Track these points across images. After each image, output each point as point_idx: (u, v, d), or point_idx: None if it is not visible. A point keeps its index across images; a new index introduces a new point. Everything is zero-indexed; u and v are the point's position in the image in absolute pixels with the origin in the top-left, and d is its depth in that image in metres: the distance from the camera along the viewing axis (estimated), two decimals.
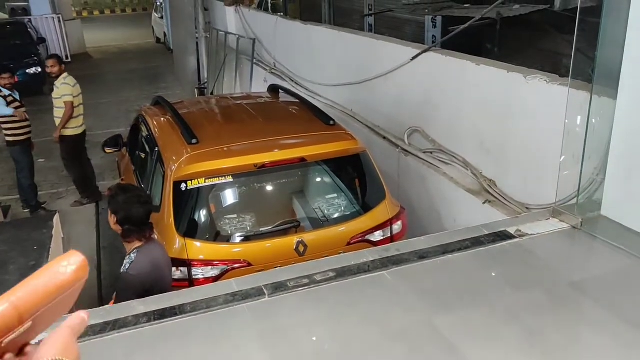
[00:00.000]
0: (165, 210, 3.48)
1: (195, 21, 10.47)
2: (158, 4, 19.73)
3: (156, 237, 3.14)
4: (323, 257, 3.26)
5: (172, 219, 3.43)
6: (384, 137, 5.18)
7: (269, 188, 3.84)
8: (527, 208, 3.52)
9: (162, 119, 4.47)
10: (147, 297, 2.32)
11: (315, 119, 4.23)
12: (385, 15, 9.30)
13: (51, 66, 6.38)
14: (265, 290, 2.32)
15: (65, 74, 6.47)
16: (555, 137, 3.22)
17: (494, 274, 2.43)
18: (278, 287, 2.33)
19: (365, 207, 3.77)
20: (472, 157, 4.10)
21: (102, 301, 5.13)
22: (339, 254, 3.43)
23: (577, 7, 5.60)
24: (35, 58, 12.62)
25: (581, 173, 2.77)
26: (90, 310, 2.35)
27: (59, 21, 15.96)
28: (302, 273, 2.42)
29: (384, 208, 3.77)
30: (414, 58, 4.54)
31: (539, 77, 3.33)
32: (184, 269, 3.32)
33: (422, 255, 2.54)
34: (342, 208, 3.79)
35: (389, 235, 3.71)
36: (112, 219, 2.94)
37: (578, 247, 2.67)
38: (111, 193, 3.09)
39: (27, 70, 12.20)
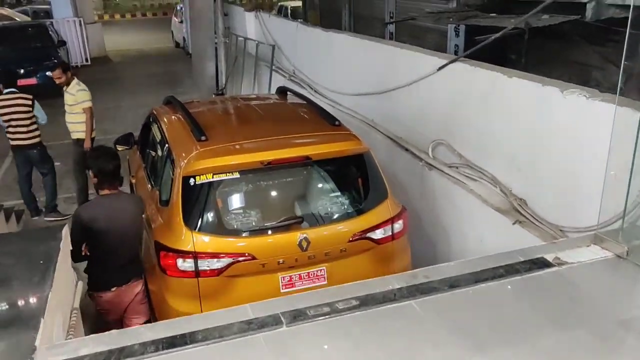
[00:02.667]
0: (174, 204, 3.62)
1: (215, 26, 10.38)
2: (178, 8, 19.78)
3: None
4: (326, 254, 3.64)
5: (180, 213, 3.57)
6: (407, 149, 4.99)
7: (275, 185, 3.92)
8: (561, 230, 3.30)
9: (173, 117, 4.60)
10: (156, 323, 2.16)
11: (321, 119, 4.34)
12: (406, 23, 9.13)
13: (57, 77, 6.28)
14: (283, 319, 2.14)
15: (75, 80, 6.39)
16: (595, 156, 3.01)
17: (532, 308, 2.22)
18: (297, 316, 2.16)
19: (368, 206, 3.86)
20: (501, 173, 3.89)
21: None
22: (342, 251, 3.69)
23: (614, 19, 5.41)
24: (55, 61, 12.61)
25: (627, 196, 2.56)
26: (94, 336, 2.21)
27: (80, 24, 16.02)
28: (323, 300, 2.25)
29: (386, 207, 3.86)
30: (440, 68, 4.35)
31: (578, 91, 3.12)
32: (191, 261, 3.47)
33: (452, 284, 2.35)
34: (345, 206, 3.91)
35: (390, 233, 3.82)
36: (91, 174, 3.69)
37: (624, 280, 2.45)
38: (88, 154, 3.91)
39: (47, 73, 12.18)
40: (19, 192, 7.06)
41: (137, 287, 3.85)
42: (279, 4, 20.65)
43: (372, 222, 3.77)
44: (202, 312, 3.41)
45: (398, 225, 3.86)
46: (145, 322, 3.84)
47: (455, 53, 7.88)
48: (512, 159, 3.75)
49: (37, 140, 6.34)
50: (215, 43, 10.52)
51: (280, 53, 8.67)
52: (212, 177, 3.63)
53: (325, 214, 3.82)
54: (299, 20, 11.85)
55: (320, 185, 4.05)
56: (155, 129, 4.83)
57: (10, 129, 6.28)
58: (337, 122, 4.21)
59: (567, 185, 3.28)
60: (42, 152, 6.44)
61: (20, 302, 2.38)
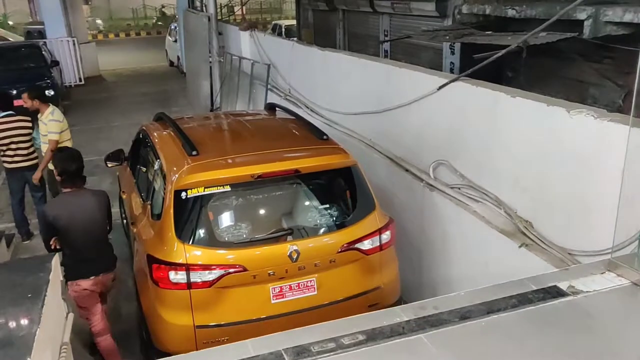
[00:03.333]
0: (166, 217, 3.71)
1: (209, 45, 10.34)
2: (172, 27, 19.80)
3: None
4: (315, 265, 3.72)
5: (172, 226, 3.65)
6: (407, 170, 4.90)
7: (265, 198, 4.01)
8: (569, 254, 3.20)
9: (164, 132, 4.71)
10: None
11: (310, 134, 4.48)
12: (401, 41, 9.12)
13: (24, 102, 5.97)
14: (285, 356, 2.02)
15: (51, 109, 6.02)
16: (605, 177, 2.93)
17: (548, 340, 2.11)
18: (300, 353, 2.03)
19: (356, 217, 3.97)
20: (505, 194, 3.79)
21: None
22: (331, 261, 3.78)
23: (611, 36, 5.37)
24: (48, 81, 12.52)
25: None
26: None
27: (74, 44, 15.96)
28: (327, 335, 2.12)
29: (374, 218, 3.98)
30: (441, 87, 4.27)
31: (585, 111, 3.04)
32: (183, 273, 3.55)
33: (463, 315, 2.23)
34: (334, 217, 4.02)
35: (378, 244, 3.94)
36: (55, 172, 4.07)
37: None
38: (54, 154, 4.25)
39: None
40: (9, 216, 6.91)
41: (111, 276, 4.19)
42: (273, 22, 20.75)
43: (360, 233, 3.88)
44: (194, 323, 3.65)
45: (385, 236, 3.97)
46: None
47: (451, 71, 7.86)
48: (517, 179, 3.66)
49: (36, 162, 6.22)
50: (210, 62, 10.47)
51: (276, 72, 8.61)
52: (203, 191, 3.71)
53: (314, 225, 3.94)
54: (294, 39, 11.85)
55: (309, 198, 4.15)
56: (145, 144, 4.93)
57: (9, 152, 6.13)
58: (325, 137, 4.36)
59: (576, 206, 3.19)
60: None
61: (6, 340, 2.24)
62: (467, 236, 4.10)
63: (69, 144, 6.08)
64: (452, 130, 4.30)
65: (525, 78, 6.39)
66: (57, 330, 2.72)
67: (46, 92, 12.22)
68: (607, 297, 2.36)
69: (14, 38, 19.92)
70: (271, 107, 5.49)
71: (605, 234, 2.80)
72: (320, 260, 3.76)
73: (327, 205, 4.06)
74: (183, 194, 3.69)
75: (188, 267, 3.55)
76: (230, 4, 14.87)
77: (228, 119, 5.66)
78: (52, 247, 3.93)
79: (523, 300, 2.32)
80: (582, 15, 5.36)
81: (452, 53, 7.89)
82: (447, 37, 7.13)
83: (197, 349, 3.59)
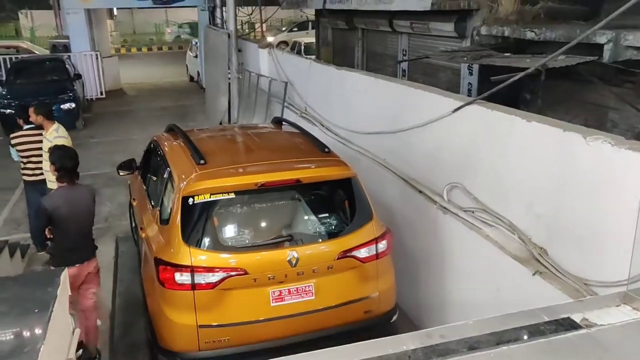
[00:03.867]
0: (174, 222, 3.92)
1: (229, 62, 10.46)
2: (193, 43, 20.08)
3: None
4: (313, 271, 3.91)
5: (179, 230, 3.85)
6: (420, 191, 4.85)
7: (267, 205, 4.21)
8: (585, 284, 3.12)
9: (175, 143, 4.97)
10: None
11: (312, 146, 4.70)
12: (419, 61, 9.11)
13: (29, 116, 6.04)
14: None
15: (56, 126, 6.03)
16: (623, 205, 2.86)
17: None
18: None
19: (354, 226, 4.14)
20: (519, 220, 3.72)
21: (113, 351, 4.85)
22: (329, 268, 3.95)
23: (632, 60, 5.30)
24: (70, 94, 12.77)
25: None
26: None
27: (97, 58, 16.27)
28: None
29: (371, 228, 4.15)
30: (456, 110, 4.24)
31: (602, 138, 2.99)
32: (188, 275, 3.75)
33: (472, 346, 2.17)
34: (333, 226, 4.20)
35: (375, 252, 4.10)
36: (51, 168, 4.36)
37: None
38: (52, 151, 4.48)
39: (62, 106, 12.34)
40: (25, 226, 6.99)
41: (93, 263, 4.52)
42: (293, 40, 20.93)
43: (357, 241, 4.05)
44: (197, 323, 3.82)
45: (382, 245, 4.14)
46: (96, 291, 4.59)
47: (469, 92, 7.81)
48: (531, 205, 3.59)
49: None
50: (229, 78, 10.58)
51: (293, 90, 8.66)
52: (210, 197, 3.92)
53: (313, 233, 4.15)
54: (312, 57, 11.92)
55: (309, 206, 4.31)
56: (156, 154, 5.22)
57: (30, 165, 6.18)
58: (326, 149, 4.57)
59: (592, 235, 3.12)
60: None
61: (11, 355, 2.24)
62: (479, 261, 4.03)
63: None
64: (467, 153, 4.26)
65: (543, 101, 6.32)
66: (63, 345, 2.72)
67: (67, 105, 12.49)
68: (622, 331, 2.28)
69: (40, 51, 20.39)
70: (277, 122, 5.71)
71: (622, 264, 2.73)
72: (318, 267, 3.93)
73: (326, 214, 4.23)
74: (190, 200, 3.90)
75: (193, 269, 3.74)
76: (250, 21, 15.04)
77: (236, 131, 6.01)
78: (47, 236, 4.36)
79: (534, 331, 2.25)
80: (602, 39, 5.30)
81: (470, 74, 7.85)
82: (465, 58, 7.10)
83: (199, 348, 3.83)
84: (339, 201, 4.34)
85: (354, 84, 6.48)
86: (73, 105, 12.58)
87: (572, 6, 6.83)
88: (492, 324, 2.32)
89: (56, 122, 6.13)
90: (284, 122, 5.63)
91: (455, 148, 4.41)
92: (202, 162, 4.17)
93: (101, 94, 16.46)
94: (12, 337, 2.37)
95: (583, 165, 3.14)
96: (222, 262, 3.80)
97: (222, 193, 3.94)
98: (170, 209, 4.05)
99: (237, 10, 10.43)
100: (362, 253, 4.06)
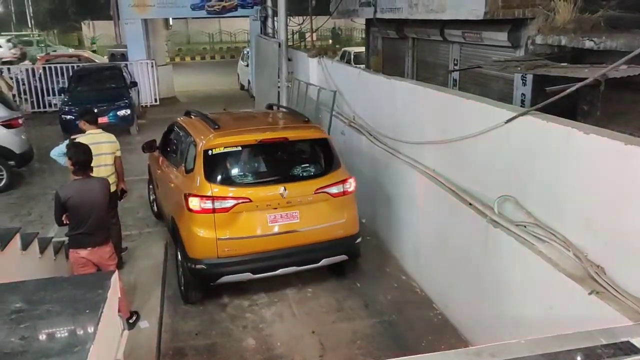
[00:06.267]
0: (197, 167, 5.41)
1: (279, 70, 10.55)
2: (245, 52, 20.45)
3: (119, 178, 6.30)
4: (299, 201, 5.48)
5: (202, 172, 5.36)
6: (470, 204, 4.73)
7: (265, 155, 5.81)
8: None
9: (192, 119, 6.53)
10: None
11: (297, 118, 6.55)
12: (470, 70, 8.93)
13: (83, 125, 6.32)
14: None
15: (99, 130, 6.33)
16: None
17: None
18: None
19: (326, 171, 5.79)
20: (575, 236, 3.56)
21: (159, 357, 4.93)
22: (309, 199, 5.50)
23: None
24: (126, 101, 13.22)
25: None
26: None
27: (152, 66, 16.80)
28: None
29: (339, 173, 5.77)
30: (509, 121, 4.12)
31: None
32: (210, 202, 5.23)
33: None
34: (311, 171, 5.85)
35: (342, 190, 5.69)
36: (68, 162, 4.89)
37: None
38: (69, 147, 5.11)
39: (118, 112, 12.81)
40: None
41: (105, 248, 4.98)
42: (343, 49, 20.99)
43: (328, 181, 5.65)
44: (216, 236, 5.27)
45: (347, 185, 5.72)
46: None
47: (522, 102, 7.59)
48: (588, 221, 3.43)
49: (115, 180, 6.32)
50: (278, 87, 10.67)
51: (341, 99, 8.66)
52: (223, 149, 5.50)
53: (298, 174, 5.73)
54: (361, 66, 11.90)
55: (295, 156, 5.99)
56: (178, 130, 6.67)
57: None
58: (306, 119, 6.41)
59: None
60: (114, 195, 6.44)
61: (61, 354, 2.30)
62: (531, 277, 3.88)
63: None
64: (520, 166, 4.12)
65: (602, 113, 6.07)
66: (112, 346, 2.78)
67: (123, 111, 12.93)
68: None
69: (100, 60, 21.26)
70: (270, 107, 7.72)
71: None
72: (301, 198, 5.47)
73: (307, 163, 5.92)
74: (209, 152, 5.43)
75: (213, 198, 5.23)
76: (301, 31, 15.19)
77: (240, 112, 8.45)
78: (64, 222, 4.85)
79: (591, 355, 2.14)
80: None
81: (524, 84, 7.63)
82: (519, 68, 6.90)
83: (218, 255, 5.30)
84: (316, 154, 6.01)
85: (403, 94, 6.42)
86: (128, 111, 13.02)
87: (634, 14, 6.54)
88: (545, 344, 2.23)
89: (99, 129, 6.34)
90: (275, 106, 7.74)
91: (508, 160, 4.28)
92: (216, 127, 5.75)
93: (155, 100, 16.97)
94: (63, 336, 2.44)
95: None
96: (233, 193, 5.32)
97: (232, 147, 5.53)
98: (194, 161, 5.49)
99: (288, 20, 10.52)
100: (333, 190, 5.63)
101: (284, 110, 7.49)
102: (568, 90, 3.87)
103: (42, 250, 5.56)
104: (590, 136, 3.36)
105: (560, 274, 3.54)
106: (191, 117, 6.61)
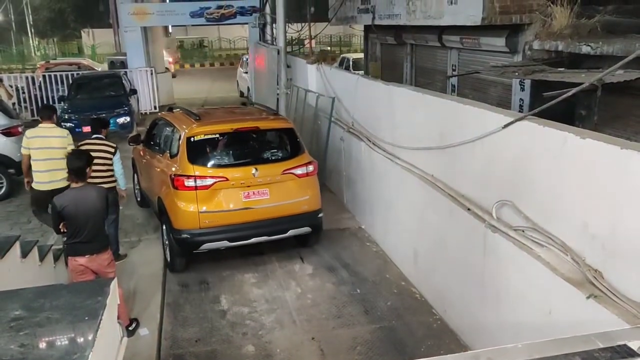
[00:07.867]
0: (181, 152, 6.32)
1: (277, 77, 10.59)
2: (244, 59, 20.50)
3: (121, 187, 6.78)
4: (268, 180, 6.45)
5: (186, 155, 6.27)
6: (468, 209, 4.74)
7: (239, 141, 6.75)
8: None
9: (175, 113, 7.60)
10: None
11: (268, 111, 7.65)
12: (469, 76, 8.96)
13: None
14: None
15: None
16: None
17: None
18: None
19: (292, 155, 6.77)
20: (572, 240, 3.57)
21: None
22: (277, 179, 6.46)
23: None
24: (126, 108, 13.28)
25: None
26: None
27: (152, 74, 16.86)
28: None
29: (303, 157, 6.76)
30: (506, 126, 4.14)
31: None
32: (192, 180, 6.14)
33: None
34: (280, 155, 6.85)
35: (305, 172, 6.67)
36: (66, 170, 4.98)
37: None
38: (67, 155, 5.21)
39: (118, 120, 12.85)
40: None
41: (103, 256, 5.00)
42: (341, 55, 21.04)
43: (293, 164, 6.62)
44: (198, 210, 6.18)
45: (310, 168, 6.72)
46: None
47: (520, 107, 7.61)
48: (586, 225, 3.44)
49: (111, 185, 6.46)
50: (277, 94, 10.71)
51: (340, 105, 8.69)
52: (203, 137, 6.47)
53: (267, 158, 6.73)
54: (360, 72, 11.94)
55: (265, 143, 7.01)
56: (163, 124, 7.57)
57: (92, 173, 6.40)
58: (275, 112, 7.90)
59: None
60: (112, 198, 6.48)
61: None
62: (530, 282, 3.88)
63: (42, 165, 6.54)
64: (517, 170, 4.14)
65: (599, 117, 6.09)
66: (111, 354, 2.78)
67: (123, 118, 12.98)
68: None
69: (100, 67, 21.31)
70: (243, 104, 9.34)
71: None
72: (270, 178, 6.42)
73: (275, 148, 6.94)
74: (192, 139, 6.38)
75: (195, 178, 6.14)
76: (300, 37, 15.24)
77: (219, 108, 9.95)
78: (61, 230, 4.88)
79: (588, 358, 2.15)
80: None
81: (522, 89, 7.66)
82: (517, 74, 6.93)
83: (199, 227, 6.18)
84: (283, 141, 6.98)
85: (402, 99, 6.44)
86: (128, 119, 13.07)
87: (631, 19, 6.57)
88: (543, 348, 2.24)
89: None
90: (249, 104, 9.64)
91: (505, 165, 4.30)
92: (197, 118, 6.77)
93: (155, 108, 16.98)
94: (62, 343, 2.45)
95: None
96: (212, 173, 6.25)
97: (211, 134, 6.51)
98: (178, 147, 6.41)
99: (286, 26, 10.56)
100: (297, 171, 6.60)
101: (257, 106, 8.72)
102: (565, 95, 3.89)
103: (42, 258, 5.58)
104: (587, 140, 3.38)
105: (558, 278, 3.54)
106: (173, 112, 7.77)
